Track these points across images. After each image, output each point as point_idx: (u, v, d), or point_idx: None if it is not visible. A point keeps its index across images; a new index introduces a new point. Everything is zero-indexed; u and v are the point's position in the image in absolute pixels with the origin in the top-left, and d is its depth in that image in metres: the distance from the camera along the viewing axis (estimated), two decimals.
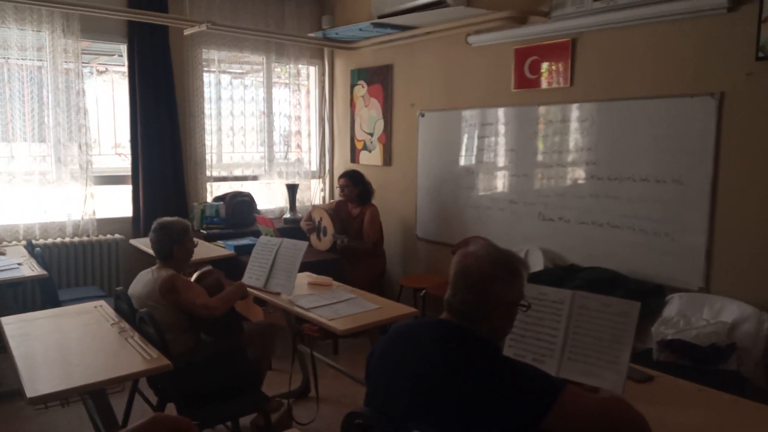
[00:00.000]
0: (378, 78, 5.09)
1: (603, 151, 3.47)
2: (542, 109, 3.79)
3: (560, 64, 3.66)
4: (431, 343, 1.44)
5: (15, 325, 2.39)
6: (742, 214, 2.92)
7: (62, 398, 1.86)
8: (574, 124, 3.63)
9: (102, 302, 2.71)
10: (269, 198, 5.39)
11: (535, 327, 1.94)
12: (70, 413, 3.08)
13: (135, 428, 0.82)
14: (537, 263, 3.74)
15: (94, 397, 1.94)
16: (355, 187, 4.44)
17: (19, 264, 3.40)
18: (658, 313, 3.05)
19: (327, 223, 4.37)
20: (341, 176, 4.55)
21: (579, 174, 3.63)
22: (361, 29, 4.47)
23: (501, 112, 4.07)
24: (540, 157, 3.84)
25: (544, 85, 3.77)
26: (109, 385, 1.90)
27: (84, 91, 4.34)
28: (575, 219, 3.64)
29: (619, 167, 3.38)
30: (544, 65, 3.76)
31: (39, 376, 1.90)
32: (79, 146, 4.32)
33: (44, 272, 3.30)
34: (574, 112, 3.61)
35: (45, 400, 1.78)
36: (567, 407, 1.28)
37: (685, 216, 3.11)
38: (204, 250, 3.94)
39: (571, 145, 3.65)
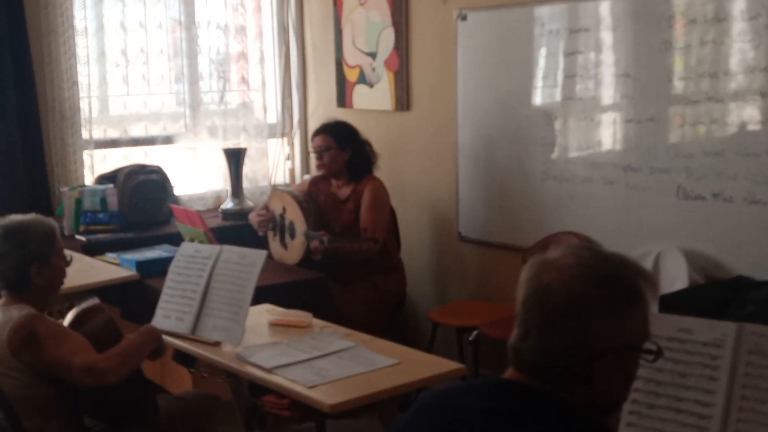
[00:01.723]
0: None
1: None
2: (679, 0, 3.80)
3: None
4: (486, 423, 1.48)
5: None
6: None
7: None
8: (737, 25, 3.63)
9: None
10: (196, 175, 5.46)
11: (673, 390, 1.97)
12: None
13: None
14: (677, 276, 3.76)
15: None
16: (341, 149, 4.49)
17: None
18: None
19: (295, 216, 4.41)
20: (316, 133, 4.61)
21: (749, 115, 3.63)
22: None
23: (605, 6, 4.08)
24: (677, 87, 3.85)
25: None
26: None
27: None
28: (743, 196, 3.65)
29: None
30: None
31: None
32: None
33: None
34: (737, 2, 3.62)
35: None
36: None
37: None
38: (82, 270, 3.98)
39: (733, 62, 3.65)
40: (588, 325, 1.49)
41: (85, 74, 5.02)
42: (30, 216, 2.82)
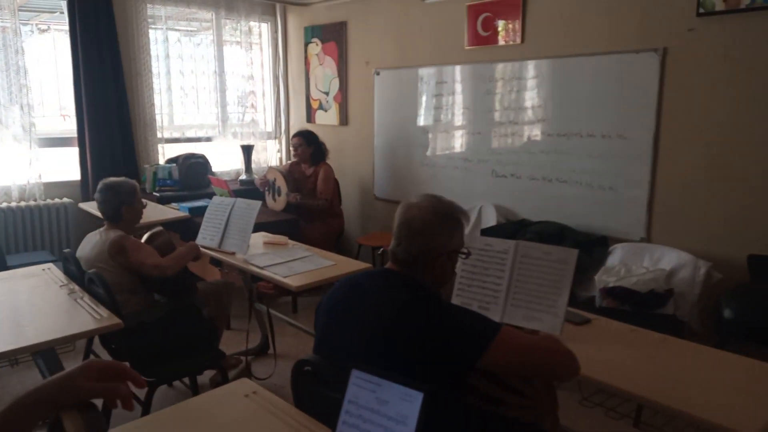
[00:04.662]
0: (332, 35, 5.01)
1: (553, 108, 3.55)
2: (495, 67, 3.82)
3: (512, 21, 3.68)
4: (375, 291, 1.49)
5: None
6: (682, 166, 3.05)
7: (11, 357, 1.85)
8: (526, 82, 3.68)
9: (50, 265, 2.67)
10: (224, 160, 5.30)
11: (481, 276, 2.01)
12: (23, 376, 3.06)
13: (68, 372, 0.83)
14: (490, 219, 3.83)
15: (44, 356, 1.93)
16: (308, 146, 4.43)
17: None
18: (602, 262, 3.19)
19: (281, 183, 4.36)
20: (294, 135, 4.52)
21: (530, 131, 3.69)
22: None
23: (456, 69, 4.08)
24: (493, 115, 3.89)
25: (496, 42, 3.79)
26: (58, 344, 1.90)
27: (23, 50, 4.14)
28: (526, 175, 3.73)
29: (568, 123, 3.47)
30: (496, 22, 3.77)
31: None
32: (21, 107, 4.15)
33: None
34: (526, 69, 3.66)
35: None
36: (503, 346, 1.36)
37: (628, 170, 3.23)
38: (157, 212, 3.88)
39: (523, 102, 3.71)
40: (432, 238, 1.51)
41: (159, 100, 4.82)
42: (122, 178, 2.73)
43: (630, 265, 3.04)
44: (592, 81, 3.33)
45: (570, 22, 3.41)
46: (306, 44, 5.29)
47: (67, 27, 4.36)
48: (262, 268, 2.69)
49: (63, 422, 0.74)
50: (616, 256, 3.18)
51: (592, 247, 3.23)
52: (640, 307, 2.85)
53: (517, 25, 3.65)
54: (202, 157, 4.88)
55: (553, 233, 3.38)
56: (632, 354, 1.80)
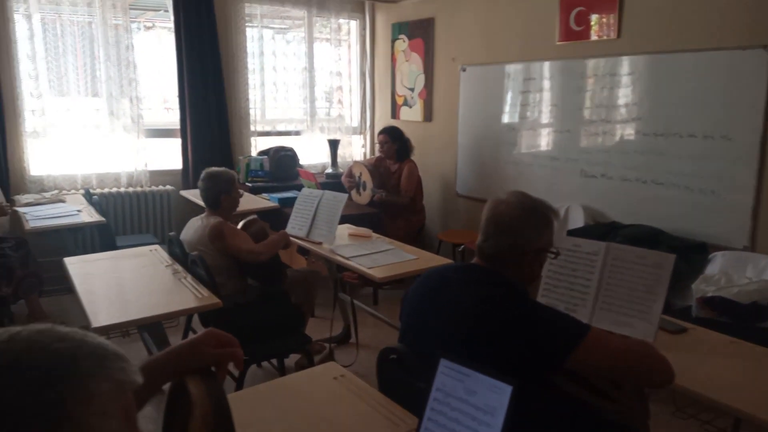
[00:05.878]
0: (419, 32, 5.04)
1: (650, 106, 3.39)
2: (587, 63, 3.71)
3: (607, 15, 3.55)
4: (462, 285, 1.51)
5: (77, 265, 2.59)
6: None
7: (123, 329, 2.04)
8: (620, 79, 3.54)
9: (157, 246, 2.89)
10: (311, 153, 5.48)
11: (569, 278, 1.98)
12: (128, 348, 3.32)
13: (193, 339, 0.92)
14: (577, 220, 3.73)
15: (151, 329, 2.11)
16: (393, 143, 4.49)
17: (78, 211, 3.62)
18: (700, 271, 3.03)
19: (366, 177, 4.45)
20: (380, 132, 4.59)
21: (624, 130, 3.56)
22: None
23: (545, 66, 3.99)
24: (583, 113, 3.77)
25: (590, 37, 3.68)
26: (164, 319, 2.06)
27: (133, 46, 4.48)
28: (618, 176, 3.60)
29: (666, 123, 3.31)
30: (591, 16, 3.65)
31: (100, 310, 2.07)
32: (130, 100, 4.49)
33: (102, 219, 3.51)
34: (621, 65, 3.52)
35: (107, 330, 1.95)
36: (592, 347, 1.33)
37: (732, 173, 3.04)
38: (249, 201, 4.08)
39: (617, 100, 3.57)
40: (521, 235, 1.51)
41: (253, 95, 5.05)
42: (222, 168, 2.90)
43: (731, 274, 2.86)
44: (693, 78, 3.16)
45: (670, 16, 3.25)
46: (393, 41, 5.35)
47: (171, 25, 4.67)
48: (347, 258, 2.77)
49: (188, 386, 0.81)
50: (716, 264, 3.00)
51: (690, 254, 3.06)
52: (742, 319, 2.68)
53: (613, 19, 3.51)
54: (291, 150, 5.06)
55: (646, 237, 3.24)
56: (732, 366, 1.71)
